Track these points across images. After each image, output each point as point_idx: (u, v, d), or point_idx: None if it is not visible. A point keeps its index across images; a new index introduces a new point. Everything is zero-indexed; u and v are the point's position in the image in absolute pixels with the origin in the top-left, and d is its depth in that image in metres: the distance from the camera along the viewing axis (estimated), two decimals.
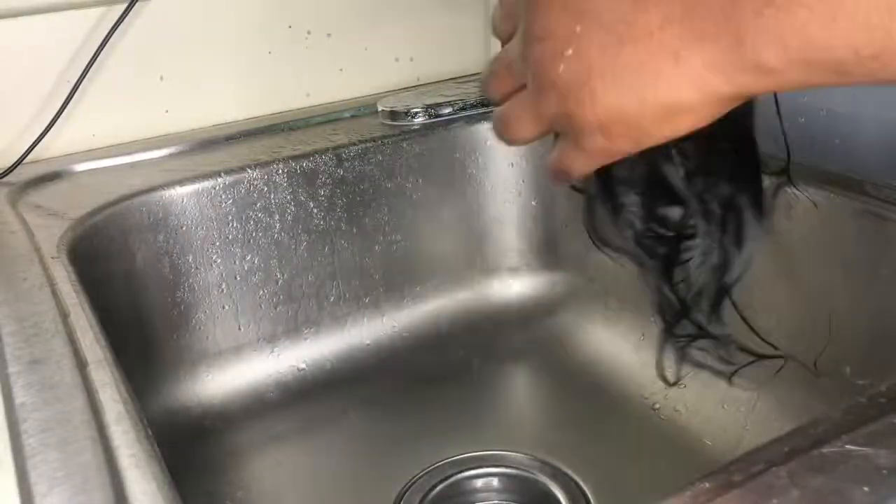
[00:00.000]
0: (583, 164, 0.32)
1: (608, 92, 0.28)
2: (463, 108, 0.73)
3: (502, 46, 0.34)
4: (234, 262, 0.65)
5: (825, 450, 0.30)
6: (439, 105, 0.73)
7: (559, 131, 0.32)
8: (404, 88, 0.81)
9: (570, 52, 0.29)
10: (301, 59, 0.76)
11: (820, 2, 0.23)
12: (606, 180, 0.37)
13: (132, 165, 0.67)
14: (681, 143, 0.34)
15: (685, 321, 0.39)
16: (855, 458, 0.29)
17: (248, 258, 0.66)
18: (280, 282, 0.67)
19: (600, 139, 0.30)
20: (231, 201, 0.64)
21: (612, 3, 0.28)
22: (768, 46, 0.25)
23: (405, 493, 0.56)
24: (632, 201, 0.37)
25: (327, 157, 0.67)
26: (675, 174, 0.36)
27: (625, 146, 0.30)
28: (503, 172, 0.74)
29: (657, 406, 0.62)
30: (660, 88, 0.27)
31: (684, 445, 0.58)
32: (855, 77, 0.25)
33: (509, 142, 0.35)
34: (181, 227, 0.63)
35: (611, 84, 0.28)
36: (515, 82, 0.33)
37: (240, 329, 0.66)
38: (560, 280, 0.75)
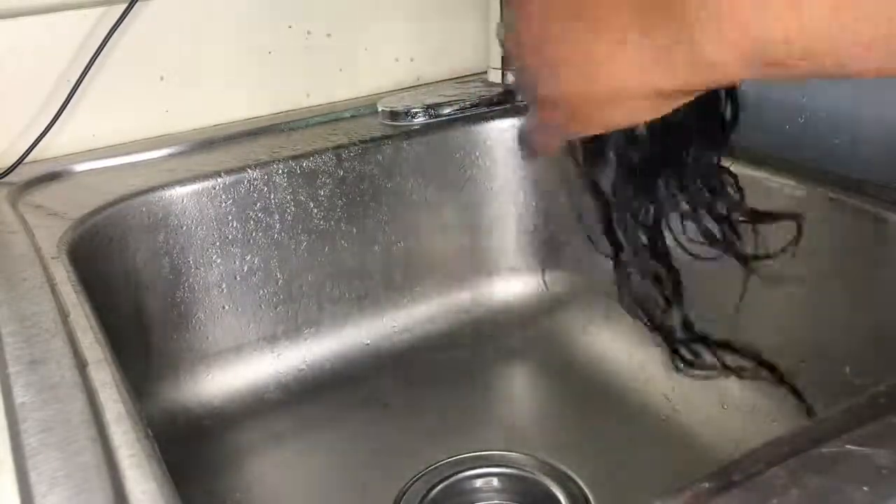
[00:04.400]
0: (543, 140, 0.35)
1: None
2: (463, 108, 0.73)
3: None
4: (234, 262, 0.65)
5: (825, 450, 0.30)
6: (439, 105, 0.73)
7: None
8: (404, 88, 0.81)
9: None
10: (301, 59, 0.76)
11: None
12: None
13: (132, 165, 0.67)
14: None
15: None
16: (855, 458, 0.29)
17: (248, 258, 0.66)
18: (280, 282, 0.67)
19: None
20: (231, 201, 0.64)
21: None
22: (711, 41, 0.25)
23: (405, 493, 0.56)
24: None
25: (327, 157, 0.67)
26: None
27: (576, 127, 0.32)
28: (503, 172, 0.74)
29: (657, 406, 0.62)
30: (602, 74, 0.28)
31: (684, 445, 0.58)
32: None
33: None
34: (181, 227, 0.63)
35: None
36: None
37: (240, 329, 0.66)
38: (560, 280, 0.75)
